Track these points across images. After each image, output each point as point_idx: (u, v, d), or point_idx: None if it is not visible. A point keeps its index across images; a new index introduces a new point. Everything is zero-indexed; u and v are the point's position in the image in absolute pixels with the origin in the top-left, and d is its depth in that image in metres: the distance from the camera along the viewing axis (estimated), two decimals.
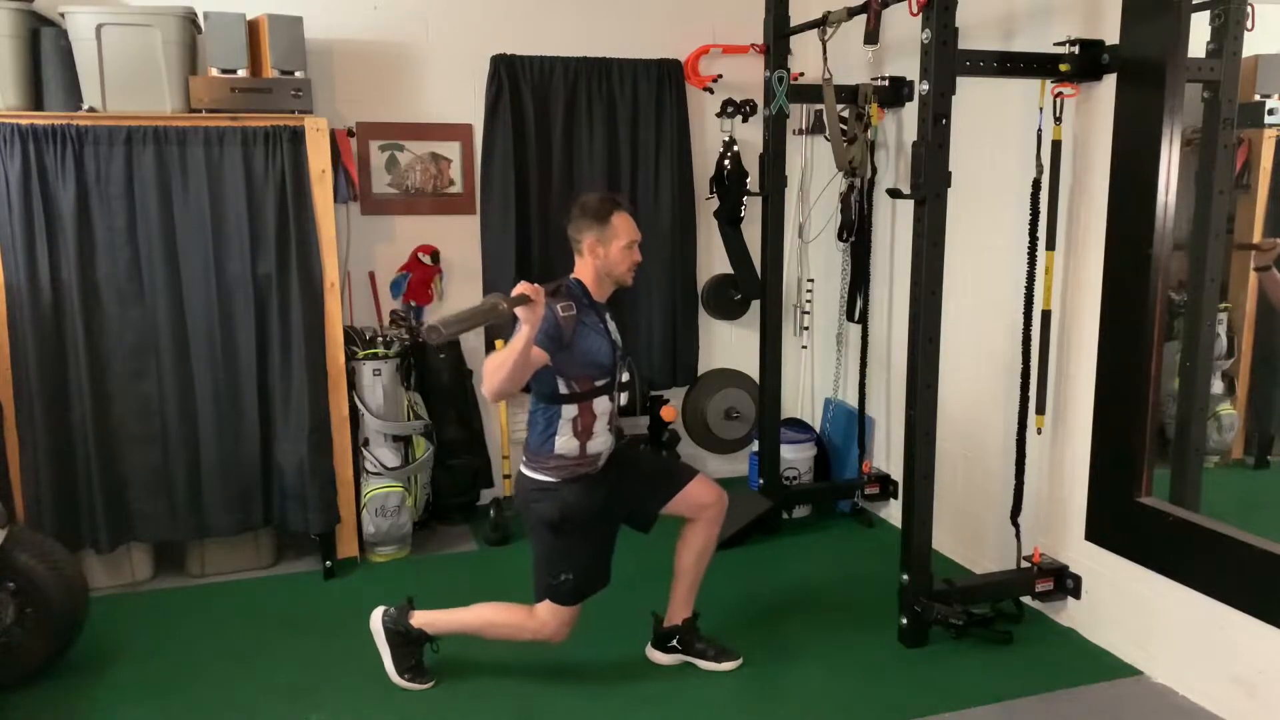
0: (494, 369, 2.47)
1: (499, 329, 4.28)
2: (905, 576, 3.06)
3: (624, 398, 2.84)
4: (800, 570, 3.75)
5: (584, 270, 2.76)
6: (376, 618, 2.91)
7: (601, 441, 2.78)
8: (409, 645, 2.88)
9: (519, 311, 2.41)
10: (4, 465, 3.40)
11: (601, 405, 2.75)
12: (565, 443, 2.72)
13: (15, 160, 3.23)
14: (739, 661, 2.99)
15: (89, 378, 3.40)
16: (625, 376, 2.83)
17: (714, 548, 3.02)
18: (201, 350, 3.51)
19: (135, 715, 2.77)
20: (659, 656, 3.03)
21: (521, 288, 2.39)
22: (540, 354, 2.55)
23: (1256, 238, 3.00)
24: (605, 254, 2.72)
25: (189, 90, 3.44)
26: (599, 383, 2.74)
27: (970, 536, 3.69)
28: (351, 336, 3.82)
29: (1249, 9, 2.72)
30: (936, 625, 3.05)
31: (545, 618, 2.78)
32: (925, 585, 3.05)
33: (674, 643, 3.01)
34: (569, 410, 2.70)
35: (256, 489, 3.64)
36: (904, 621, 3.09)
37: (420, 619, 2.87)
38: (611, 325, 2.82)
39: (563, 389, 2.69)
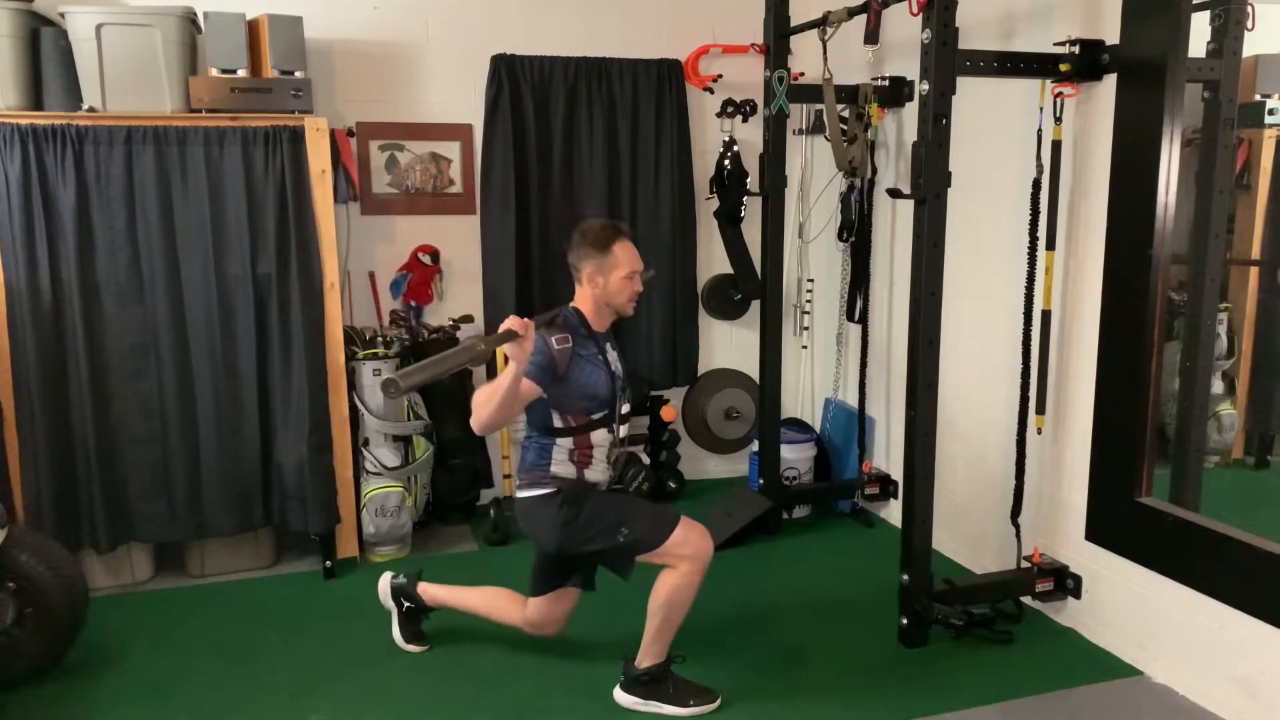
0: (482, 403, 2.42)
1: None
2: (905, 576, 3.06)
3: (624, 430, 2.77)
4: (800, 570, 3.75)
5: (583, 299, 2.70)
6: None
7: (599, 472, 2.74)
8: (660, 684, 2.75)
9: (507, 349, 2.34)
10: (4, 465, 3.39)
11: (599, 438, 2.70)
12: (561, 466, 2.69)
13: (15, 160, 3.23)
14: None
15: (89, 378, 3.40)
16: (625, 409, 2.76)
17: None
18: (201, 350, 3.51)
19: (135, 715, 2.77)
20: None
21: (510, 323, 2.33)
22: (532, 387, 2.50)
23: (1257, 237, 3.00)
24: (605, 283, 2.66)
25: (189, 90, 3.44)
26: (595, 416, 2.69)
27: (970, 536, 3.69)
28: (351, 336, 3.82)
29: (1249, 9, 2.72)
30: (936, 625, 3.05)
31: (671, 555, 2.62)
32: (925, 585, 3.05)
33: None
34: (564, 443, 2.67)
35: (256, 489, 3.64)
36: (904, 621, 3.08)
37: (642, 658, 2.76)
38: (612, 355, 2.75)
39: (557, 422, 2.65)
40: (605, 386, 2.68)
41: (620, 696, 2.78)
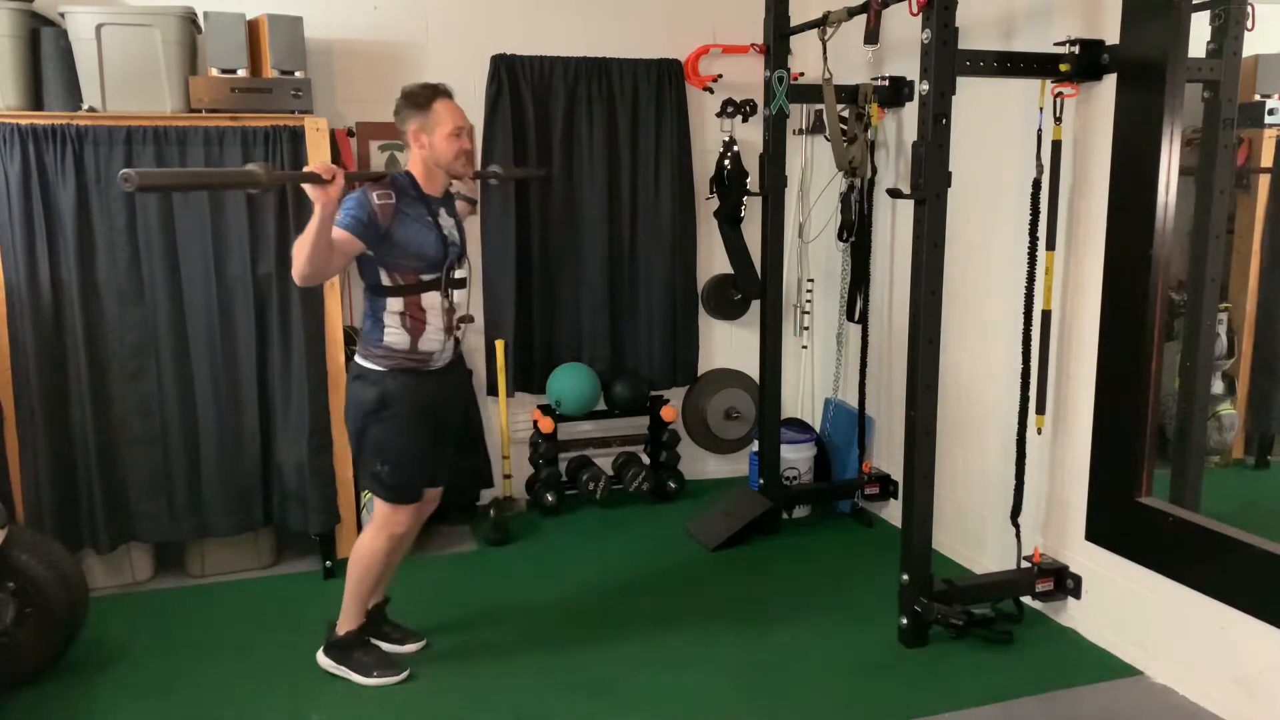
0: (296, 250, 2.46)
1: (499, 329, 4.29)
2: (905, 576, 3.06)
3: (459, 295, 2.79)
4: (800, 570, 3.75)
5: (414, 163, 2.74)
6: (320, 658, 2.96)
7: (435, 340, 2.74)
8: (353, 649, 2.90)
9: (309, 190, 2.38)
10: (4, 465, 3.39)
11: (430, 300, 2.71)
12: (394, 335, 2.70)
13: (15, 160, 3.23)
14: (423, 642, 3.07)
15: (89, 378, 3.40)
16: (459, 274, 2.78)
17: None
18: (201, 350, 3.51)
19: (135, 715, 2.77)
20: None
21: (315, 166, 2.39)
22: (349, 238, 2.53)
23: (1256, 238, 3.01)
24: (430, 143, 2.69)
25: (189, 90, 3.44)
26: (425, 277, 2.70)
27: (970, 536, 3.69)
28: (351, 336, 3.81)
29: (1249, 9, 2.72)
30: (936, 625, 3.05)
31: (379, 516, 2.81)
32: (925, 585, 3.05)
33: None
34: (394, 303, 2.68)
35: (256, 489, 3.64)
36: (904, 621, 3.08)
37: (339, 623, 2.91)
38: (447, 220, 2.78)
39: (385, 280, 2.68)
40: (434, 247, 2.69)
41: (319, 657, 2.94)
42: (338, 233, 2.50)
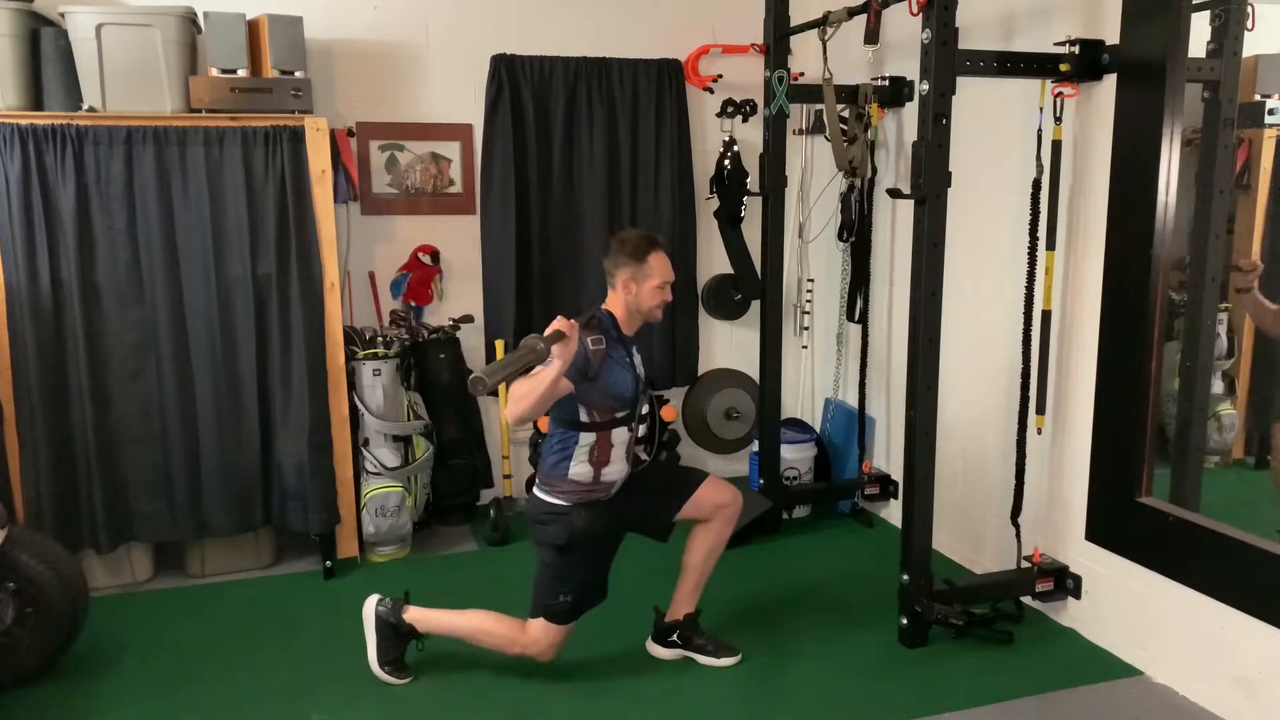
0: (520, 396, 2.50)
1: (499, 329, 4.29)
2: (905, 576, 3.06)
3: (643, 429, 2.88)
4: (800, 570, 3.75)
5: (615, 303, 2.80)
6: (370, 605, 2.94)
7: (617, 470, 2.81)
8: (396, 638, 2.90)
9: (554, 348, 2.45)
10: (4, 465, 3.39)
11: (620, 436, 2.79)
12: (580, 469, 2.75)
13: (15, 160, 3.23)
14: (738, 657, 3.00)
15: (89, 378, 3.40)
16: (645, 409, 2.87)
17: (724, 546, 3.03)
18: (201, 350, 3.51)
19: (135, 715, 2.77)
20: (659, 650, 3.05)
21: (558, 324, 2.46)
22: (567, 384, 2.59)
23: (1256, 238, 3.00)
24: (638, 291, 2.77)
25: (189, 90, 3.44)
26: (619, 414, 2.78)
27: (970, 536, 3.69)
28: (351, 336, 3.82)
29: (1249, 9, 2.72)
30: (936, 625, 3.05)
31: (537, 635, 2.82)
32: (925, 585, 3.05)
33: (674, 637, 3.03)
34: (586, 438, 2.74)
35: (256, 489, 3.64)
36: (904, 621, 3.09)
37: (412, 615, 2.90)
38: (637, 359, 2.87)
39: (584, 417, 2.73)
40: (630, 387, 2.79)
41: (365, 608, 2.94)
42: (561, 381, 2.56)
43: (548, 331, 2.46)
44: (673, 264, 4.43)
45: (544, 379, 2.47)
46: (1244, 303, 2.93)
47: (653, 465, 3.57)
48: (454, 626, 2.89)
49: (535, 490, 2.84)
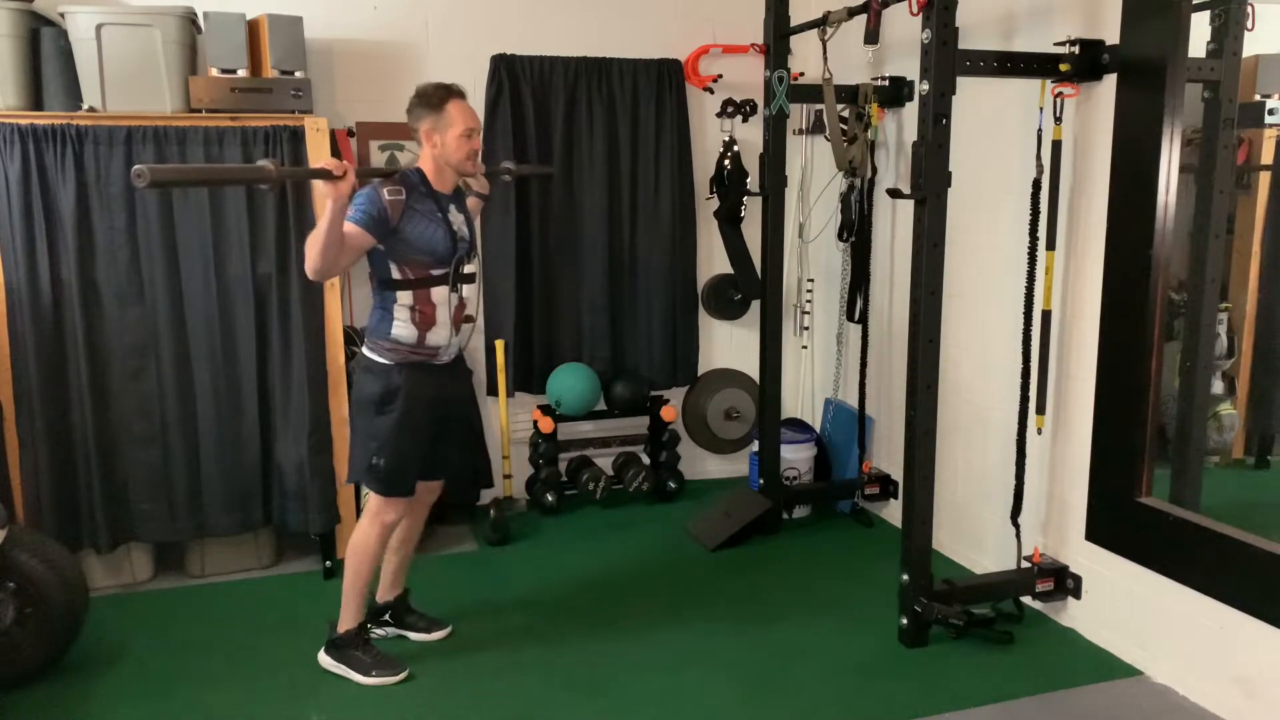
0: (309, 245, 2.52)
1: (499, 329, 4.29)
2: (905, 576, 3.06)
3: (467, 289, 2.85)
4: (800, 570, 3.74)
5: (424, 159, 2.81)
6: (321, 657, 2.97)
7: (442, 334, 2.79)
8: (352, 648, 2.93)
9: (320, 186, 2.46)
10: (4, 465, 3.39)
11: (439, 295, 2.76)
12: (401, 329, 2.75)
13: (15, 160, 3.23)
14: (448, 630, 3.14)
15: (89, 378, 3.40)
16: (468, 269, 2.85)
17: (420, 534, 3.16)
18: (201, 350, 3.51)
19: (135, 715, 2.77)
20: (379, 631, 3.11)
21: (326, 162, 2.45)
22: (360, 233, 2.59)
23: (1256, 239, 3.00)
24: (441, 141, 2.76)
25: (189, 90, 3.44)
26: (435, 272, 2.75)
27: (970, 536, 3.69)
28: (351, 336, 3.81)
29: (1249, 9, 2.72)
30: (936, 625, 3.05)
31: (371, 507, 2.86)
32: (925, 585, 3.05)
33: (386, 617, 3.13)
34: (404, 297, 2.73)
35: (256, 489, 3.64)
36: (904, 621, 3.08)
37: (339, 622, 2.94)
38: (456, 217, 2.83)
39: (395, 274, 2.72)
40: (443, 243, 2.74)
41: (320, 656, 2.96)
42: (349, 227, 2.56)
43: (315, 165, 2.43)
44: (672, 263, 4.51)
45: (320, 226, 2.47)
46: None
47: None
48: (352, 585, 2.90)
49: (363, 348, 2.83)
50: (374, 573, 2.95)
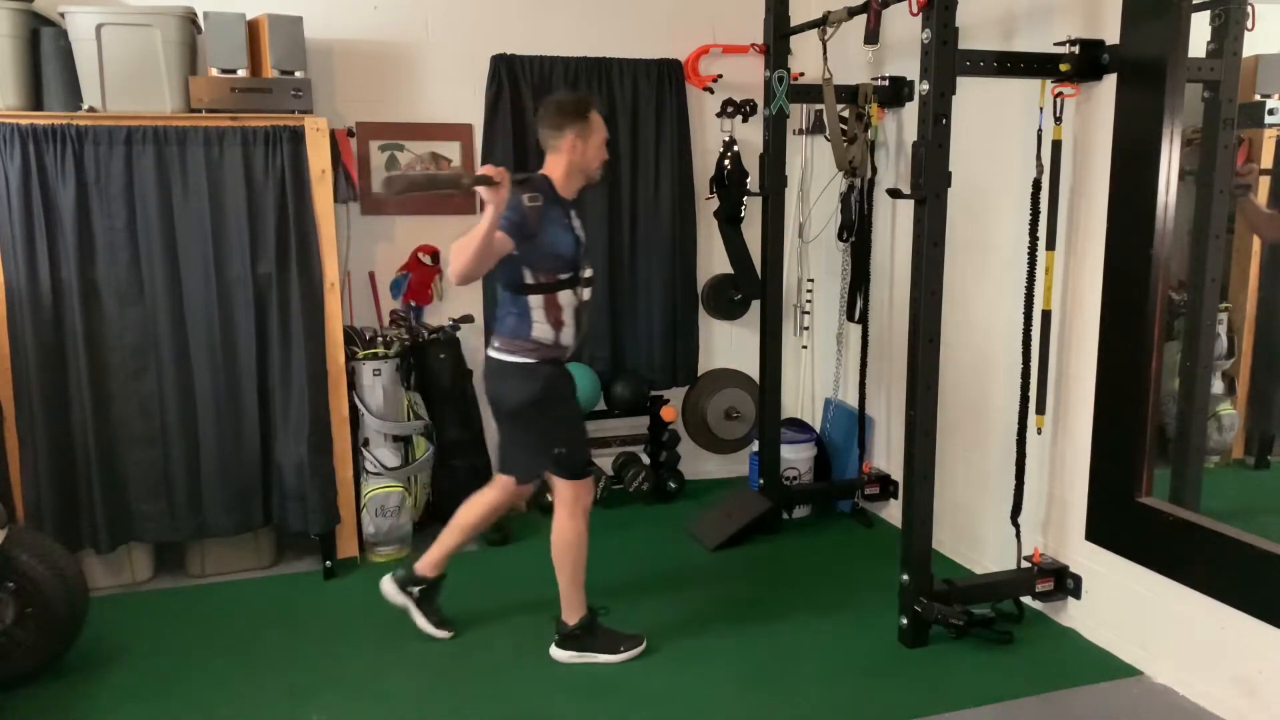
0: (460, 249, 2.56)
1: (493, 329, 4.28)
2: (905, 576, 3.06)
3: (587, 293, 2.93)
4: (800, 570, 3.75)
5: (554, 167, 2.87)
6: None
7: (570, 334, 2.88)
8: (589, 635, 3.00)
9: (482, 192, 2.51)
10: (4, 465, 3.39)
11: (566, 299, 2.85)
12: (541, 330, 2.83)
13: (15, 160, 3.23)
14: (451, 634, 3.15)
15: (89, 378, 3.40)
16: (588, 272, 2.93)
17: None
18: (201, 350, 3.50)
19: (135, 715, 2.77)
20: (389, 589, 3.16)
21: (487, 169, 2.51)
22: (505, 239, 2.64)
23: (1256, 239, 3.00)
24: (584, 149, 2.84)
25: (189, 90, 3.44)
26: (562, 276, 2.83)
27: (970, 536, 3.69)
28: (351, 336, 3.82)
29: (1249, 9, 2.72)
30: (936, 625, 3.05)
31: (567, 498, 2.92)
32: (925, 585, 3.05)
33: (414, 590, 3.15)
34: (535, 300, 2.80)
35: (256, 489, 3.64)
36: (904, 621, 3.09)
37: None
38: (576, 223, 2.92)
39: (528, 279, 2.79)
40: (571, 248, 2.84)
41: (555, 653, 3.00)
42: (496, 233, 2.61)
43: (478, 173, 2.48)
44: (672, 263, 4.52)
45: (479, 231, 2.52)
46: (1242, 207, 2.92)
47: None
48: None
49: (494, 354, 2.87)
50: (584, 559, 2.98)
